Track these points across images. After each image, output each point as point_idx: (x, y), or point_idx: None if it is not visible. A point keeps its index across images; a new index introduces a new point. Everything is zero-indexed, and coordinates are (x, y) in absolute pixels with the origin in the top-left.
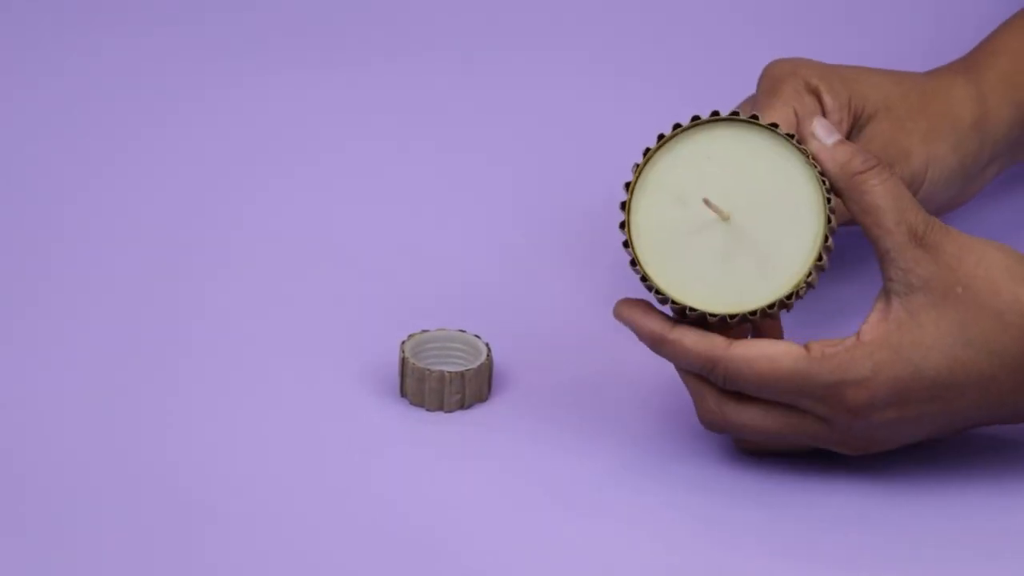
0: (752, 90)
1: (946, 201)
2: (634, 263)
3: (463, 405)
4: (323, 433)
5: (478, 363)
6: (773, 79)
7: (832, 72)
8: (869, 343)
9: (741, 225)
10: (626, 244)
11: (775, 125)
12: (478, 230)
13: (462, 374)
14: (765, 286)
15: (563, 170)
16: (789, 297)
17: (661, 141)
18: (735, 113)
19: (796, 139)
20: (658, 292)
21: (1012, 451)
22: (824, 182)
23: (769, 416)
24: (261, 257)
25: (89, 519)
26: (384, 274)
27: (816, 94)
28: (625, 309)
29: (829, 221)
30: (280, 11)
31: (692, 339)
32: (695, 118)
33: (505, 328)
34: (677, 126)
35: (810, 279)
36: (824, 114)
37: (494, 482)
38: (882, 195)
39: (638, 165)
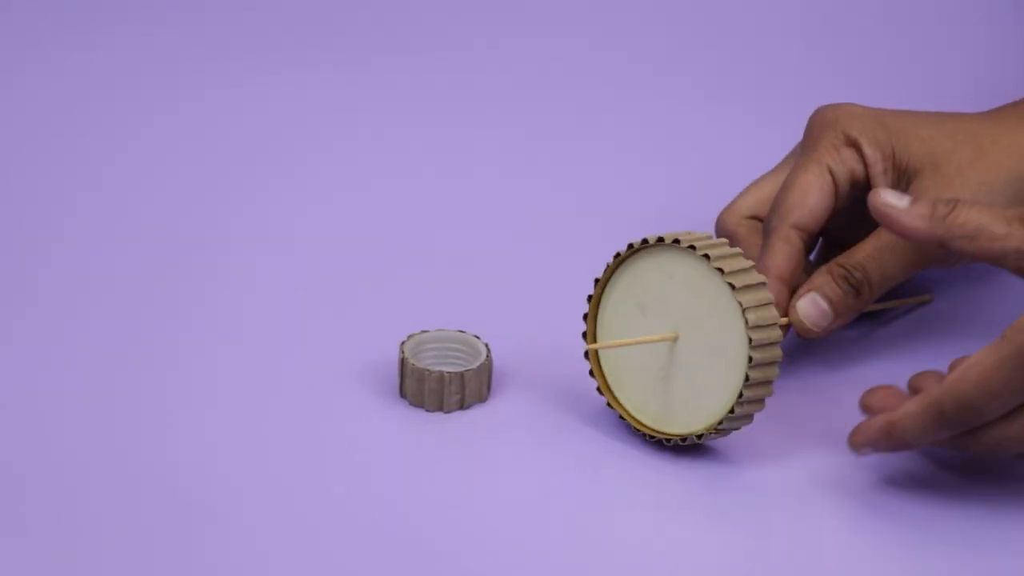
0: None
1: None
2: (592, 373)
3: (463, 405)
4: (323, 433)
5: (477, 363)
6: (813, 130)
7: (876, 122)
8: None
9: (684, 350)
10: (587, 355)
11: (728, 276)
12: (478, 230)
13: (462, 374)
14: (687, 417)
15: (564, 170)
16: (699, 436)
17: (627, 252)
18: (676, 240)
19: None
20: (605, 393)
21: None
22: (751, 340)
23: (1020, 421)
24: (261, 257)
25: (89, 519)
26: (384, 274)
27: (856, 147)
28: (858, 437)
29: (748, 379)
30: (280, 11)
31: (912, 402)
32: (657, 239)
33: (505, 328)
34: (630, 246)
35: (732, 415)
36: (865, 166)
37: (494, 482)
38: (976, 215)
39: (598, 279)
